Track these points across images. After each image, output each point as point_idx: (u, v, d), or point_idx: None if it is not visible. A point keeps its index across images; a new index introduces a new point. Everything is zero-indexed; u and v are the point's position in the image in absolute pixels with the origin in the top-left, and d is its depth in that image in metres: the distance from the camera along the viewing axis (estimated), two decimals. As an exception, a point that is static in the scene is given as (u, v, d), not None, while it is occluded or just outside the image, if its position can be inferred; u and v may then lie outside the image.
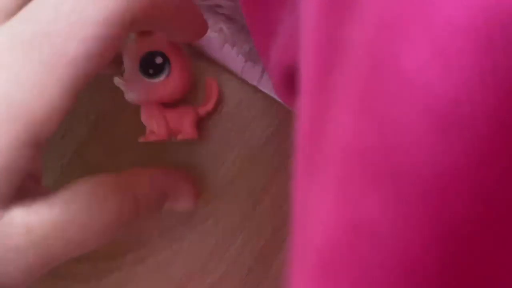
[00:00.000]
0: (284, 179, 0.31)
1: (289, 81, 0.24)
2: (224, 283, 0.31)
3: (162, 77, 0.28)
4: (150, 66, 0.28)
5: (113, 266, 0.31)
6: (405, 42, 0.13)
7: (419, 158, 0.12)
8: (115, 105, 0.31)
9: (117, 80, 0.28)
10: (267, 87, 0.30)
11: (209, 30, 0.26)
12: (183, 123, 0.29)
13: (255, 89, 0.31)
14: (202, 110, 0.30)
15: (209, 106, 0.30)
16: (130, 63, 0.28)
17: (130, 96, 0.28)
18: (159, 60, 0.28)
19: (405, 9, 0.13)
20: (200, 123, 0.30)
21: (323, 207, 0.14)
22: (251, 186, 0.31)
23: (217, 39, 0.29)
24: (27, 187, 0.22)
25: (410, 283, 0.13)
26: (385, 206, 0.13)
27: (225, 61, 0.30)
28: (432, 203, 0.12)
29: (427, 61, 0.12)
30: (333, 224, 0.14)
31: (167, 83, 0.28)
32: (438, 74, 0.12)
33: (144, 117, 0.29)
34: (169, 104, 0.29)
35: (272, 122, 0.31)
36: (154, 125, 0.28)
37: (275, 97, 0.30)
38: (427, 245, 0.12)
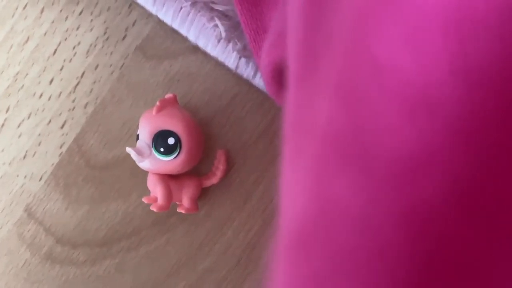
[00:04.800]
0: (276, 173, 0.31)
1: (278, 79, 0.25)
2: (214, 273, 0.32)
3: (171, 157, 0.29)
4: (162, 144, 0.29)
5: (107, 253, 0.32)
6: (377, 30, 0.13)
7: (389, 141, 0.13)
8: (113, 97, 0.32)
9: (128, 149, 0.29)
10: (261, 83, 0.30)
11: (205, 26, 0.27)
12: (184, 196, 0.30)
13: (249, 85, 0.31)
14: (207, 183, 0.31)
15: (215, 179, 0.31)
16: (143, 136, 0.29)
17: (139, 163, 0.29)
18: (171, 141, 0.29)
19: None
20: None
21: (299, 188, 0.15)
22: (243, 179, 0.32)
23: (213, 35, 0.30)
24: None
25: (380, 263, 0.13)
26: (355, 187, 0.13)
27: (220, 57, 0.30)
28: (402, 185, 0.13)
29: (397, 46, 0.13)
30: (306, 204, 0.14)
31: (176, 162, 0.29)
32: (408, 59, 0.13)
33: (149, 184, 0.30)
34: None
35: (265, 117, 0.31)
36: (158, 194, 0.30)
37: (268, 93, 0.31)
38: (396, 226, 0.13)
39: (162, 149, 0.29)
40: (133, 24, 0.32)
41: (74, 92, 0.32)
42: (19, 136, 0.32)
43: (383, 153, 0.13)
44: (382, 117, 0.13)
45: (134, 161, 0.30)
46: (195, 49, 0.31)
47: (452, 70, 0.12)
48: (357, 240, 0.13)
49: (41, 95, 0.32)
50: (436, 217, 0.13)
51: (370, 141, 0.13)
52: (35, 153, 0.32)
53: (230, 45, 0.30)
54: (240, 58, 0.30)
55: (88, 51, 0.32)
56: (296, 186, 0.15)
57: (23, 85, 0.32)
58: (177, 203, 0.31)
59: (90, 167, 0.32)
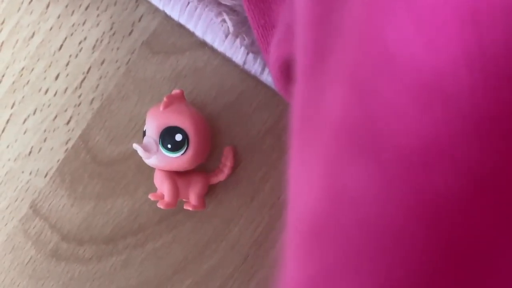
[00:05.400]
0: (283, 170, 0.31)
1: (287, 75, 0.25)
2: (221, 270, 0.32)
3: (178, 154, 0.28)
4: (170, 141, 0.28)
5: (113, 250, 0.32)
6: (390, 18, 0.13)
7: (403, 131, 0.13)
8: (119, 93, 0.32)
9: (135, 145, 0.28)
10: (268, 79, 0.30)
11: (212, 21, 0.26)
12: (191, 193, 0.30)
13: (257, 81, 0.31)
14: (214, 179, 0.31)
15: (222, 177, 0.31)
16: (151, 132, 0.29)
17: (146, 160, 0.29)
18: (178, 137, 0.28)
19: None
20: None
21: (312, 178, 0.15)
22: (250, 176, 0.31)
23: (220, 31, 0.30)
24: None
25: (394, 254, 0.13)
26: (368, 177, 0.13)
27: (227, 52, 0.30)
28: (416, 175, 0.13)
29: (410, 35, 0.12)
30: (319, 194, 0.14)
31: (183, 158, 0.29)
32: (421, 48, 0.12)
33: (156, 181, 0.30)
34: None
35: (272, 113, 0.31)
36: (164, 191, 0.29)
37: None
38: (411, 216, 0.13)
39: (169, 146, 0.28)
40: (140, 19, 0.31)
41: (80, 87, 0.32)
42: (25, 132, 0.32)
43: (397, 143, 0.13)
44: (396, 107, 0.13)
45: (140, 157, 0.30)
46: (202, 44, 0.31)
47: (468, 58, 0.12)
48: (371, 231, 0.13)
49: (46, 91, 0.32)
50: (451, 208, 0.12)
51: (383, 131, 0.13)
52: (40, 149, 0.32)
53: (238, 40, 0.30)
54: (247, 53, 0.30)
55: (94, 47, 0.32)
56: (306, 179, 0.15)
57: (28, 81, 0.32)
58: (184, 200, 0.30)
59: (96, 163, 0.32)
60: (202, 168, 0.31)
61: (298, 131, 0.17)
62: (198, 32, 0.30)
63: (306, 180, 0.15)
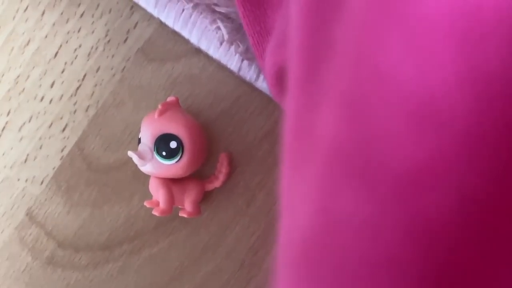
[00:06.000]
0: (279, 177, 0.31)
1: (282, 82, 0.25)
2: (217, 276, 0.32)
3: (173, 161, 0.29)
4: (164, 148, 0.28)
5: (109, 256, 0.32)
6: (382, 40, 0.13)
7: (392, 154, 0.13)
8: (114, 100, 0.32)
9: (130, 153, 0.28)
10: (263, 86, 0.30)
11: (207, 28, 0.27)
12: (187, 200, 0.30)
13: (252, 88, 0.31)
14: (210, 186, 0.31)
15: (217, 183, 0.31)
16: (146, 139, 0.29)
17: (141, 167, 0.29)
18: (173, 144, 0.28)
19: (384, 7, 0.13)
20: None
21: (305, 201, 0.15)
22: (246, 182, 0.31)
23: (215, 38, 0.30)
24: None
25: (389, 275, 0.13)
26: (358, 201, 0.13)
27: (222, 59, 0.30)
28: (409, 198, 0.12)
29: (401, 58, 0.12)
30: (310, 217, 0.14)
31: (178, 165, 0.29)
32: (412, 71, 0.12)
33: (151, 188, 0.30)
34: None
35: (268, 120, 0.31)
36: (160, 198, 0.29)
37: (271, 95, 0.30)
38: (404, 238, 0.13)
39: (164, 153, 0.28)
40: (135, 27, 0.31)
41: (75, 95, 0.32)
42: (20, 139, 0.32)
43: (389, 166, 0.13)
44: (387, 130, 0.13)
45: (136, 164, 0.30)
46: (197, 51, 0.31)
47: (460, 79, 0.12)
48: (365, 253, 0.13)
49: (42, 98, 0.32)
50: (447, 233, 0.12)
51: (375, 154, 0.13)
52: (36, 156, 0.32)
53: (233, 47, 0.30)
54: (242, 60, 0.30)
55: (89, 54, 0.32)
56: (299, 197, 0.15)
57: (24, 88, 0.32)
58: (180, 207, 0.30)
59: (92, 170, 0.32)
60: (198, 174, 0.31)
61: (289, 146, 0.17)
62: (193, 39, 0.30)
63: (298, 201, 0.15)
